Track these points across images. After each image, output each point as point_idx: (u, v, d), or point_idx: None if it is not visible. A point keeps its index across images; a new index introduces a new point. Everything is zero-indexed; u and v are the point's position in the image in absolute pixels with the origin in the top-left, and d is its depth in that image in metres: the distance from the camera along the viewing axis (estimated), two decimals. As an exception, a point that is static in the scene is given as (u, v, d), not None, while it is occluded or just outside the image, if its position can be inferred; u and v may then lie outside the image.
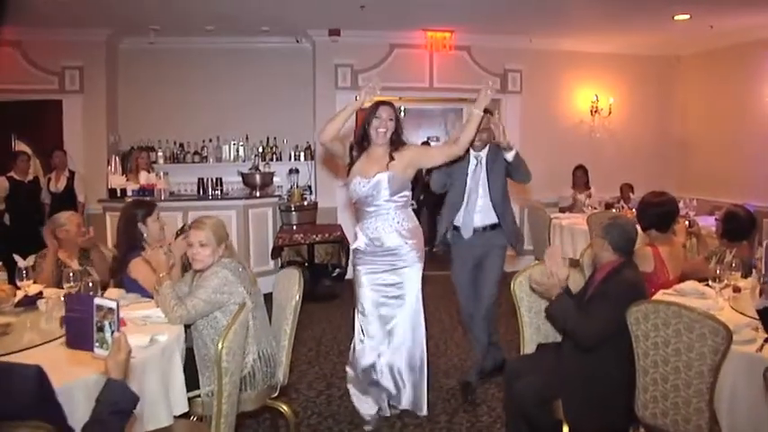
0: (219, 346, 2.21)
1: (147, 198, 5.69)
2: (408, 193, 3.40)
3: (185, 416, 2.65)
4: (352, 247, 3.45)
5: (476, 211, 3.81)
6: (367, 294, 3.38)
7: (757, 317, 2.54)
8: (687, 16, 6.17)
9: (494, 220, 3.81)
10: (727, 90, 7.23)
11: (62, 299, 2.67)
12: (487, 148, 3.78)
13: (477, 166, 3.80)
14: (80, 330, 1.74)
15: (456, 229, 3.88)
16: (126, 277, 3.31)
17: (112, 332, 1.72)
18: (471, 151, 3.73)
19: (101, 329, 1.72)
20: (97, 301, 1.73)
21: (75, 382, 2.00)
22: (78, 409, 1.91)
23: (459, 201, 3.83)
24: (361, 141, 3.36)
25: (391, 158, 3.30)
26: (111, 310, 1.72)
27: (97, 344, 1.73)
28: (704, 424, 2.34)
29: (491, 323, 3.93)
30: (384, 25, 6.75)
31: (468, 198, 3.80)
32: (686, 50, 7.82)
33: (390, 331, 3.38)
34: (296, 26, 6.84)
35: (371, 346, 3.38)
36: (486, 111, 3.39)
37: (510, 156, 3.65)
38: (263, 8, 6.00)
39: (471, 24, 6.78)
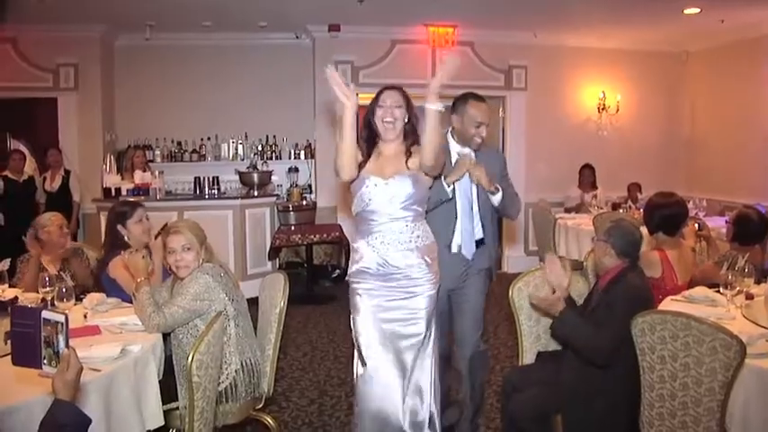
0: (190, 358, 2.06)
1: (142, 197, 5.60)
2: (425, 201, 2.73)
3: (163, 429, 2.52)
4: (352, 269, 2.67)
5: (475, 222, 3.07)
6: (371, 328, 2.63)
7: (772, 328, 2.37)
8: (697, 10, 5.97)
9: (479, 234, 3.09)
10: (738, 86, 7.00)
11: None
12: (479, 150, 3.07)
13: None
14: (27, 346, 1.60)
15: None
16: (105, 276, 3.21)
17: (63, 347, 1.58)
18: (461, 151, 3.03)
19: (49, 345, 1.58)
20: (45, 314, 1.59)
21: (24, 403, 1.83)
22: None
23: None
24: (368, 138, 2.68)
25: (409, 154, 2.63)
26: (59, 324, 1.57)
27: (45, 361, 1.59)
28: (714, 444, 2.16)
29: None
30: (385, 20, 6.58)
31: (464, 207, 3.01)
32: (696, 46, 7.60)
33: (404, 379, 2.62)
34: (295, 21, 6.70)
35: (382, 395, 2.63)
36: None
37: (496, 199, 2.94)
38: (260, 3, 5.86)
39: (474, 19, 6.60)
